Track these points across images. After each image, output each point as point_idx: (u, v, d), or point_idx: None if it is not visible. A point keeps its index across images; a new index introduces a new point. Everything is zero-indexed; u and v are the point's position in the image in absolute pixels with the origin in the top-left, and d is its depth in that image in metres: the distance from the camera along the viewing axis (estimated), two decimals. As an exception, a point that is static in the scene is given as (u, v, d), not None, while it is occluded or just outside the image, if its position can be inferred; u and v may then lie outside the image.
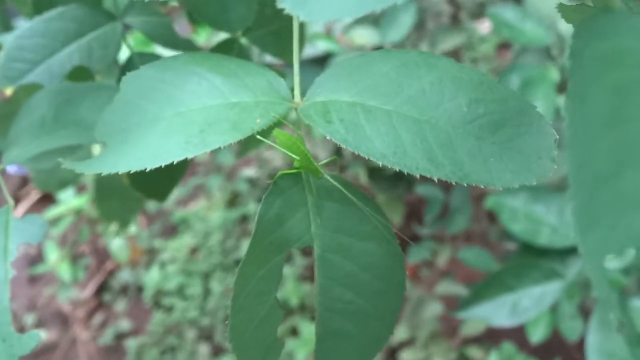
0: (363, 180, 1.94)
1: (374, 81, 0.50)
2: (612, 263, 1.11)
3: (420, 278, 1.99)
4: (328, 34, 1.75)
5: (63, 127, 0.64)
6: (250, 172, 2.30)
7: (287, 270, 2.04)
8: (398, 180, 1.87)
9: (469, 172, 0.46)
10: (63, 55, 0.72)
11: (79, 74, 0.73)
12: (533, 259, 1.26)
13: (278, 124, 0.50)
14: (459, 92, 0.48)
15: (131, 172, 0.47)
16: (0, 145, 0.73)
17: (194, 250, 2.23)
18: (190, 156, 0.47)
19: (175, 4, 1.05)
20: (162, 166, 0.47)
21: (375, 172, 1.87)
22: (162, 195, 0.86)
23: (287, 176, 0.51)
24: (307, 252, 2.05)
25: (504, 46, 2.51)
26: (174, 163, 0.47)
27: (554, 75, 1.30)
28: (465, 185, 0.46)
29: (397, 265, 0.51)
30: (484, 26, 2.40)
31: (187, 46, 0.81)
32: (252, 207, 2.26)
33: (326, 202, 0.51)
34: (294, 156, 0.50)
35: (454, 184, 0.46)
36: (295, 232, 0.51)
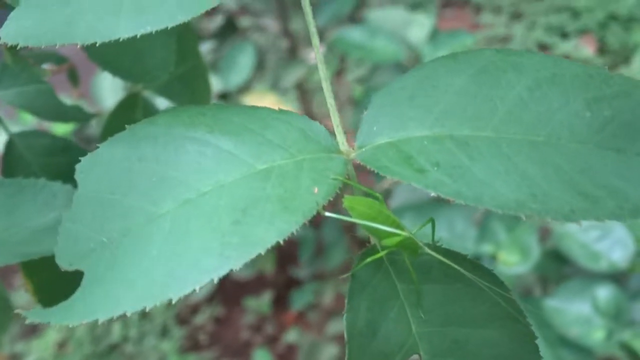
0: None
1: (451, 101, 0.36)
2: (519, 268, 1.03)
3: (308, 323, 1.86)
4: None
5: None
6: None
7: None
8: None
9: (637, 201, 0.32)
10: None
11: None
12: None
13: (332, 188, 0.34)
14: (569, 94, 0.35)
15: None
16: None
17: (61, 345, 1.97)
18: (235, 267, 0.31)
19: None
20: None
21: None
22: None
23: (368, 262, 0.34)
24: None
25: (339, 73, 2.42)
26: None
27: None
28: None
29: (529, 350, 0.36)
30: (311, 56, 2.30)
31: (76, 114, 0.63)
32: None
33: (424, 285, 0.35)
34: (380, 230, 0.33)
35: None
36: (394, 339, 0.35)
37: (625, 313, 0.97)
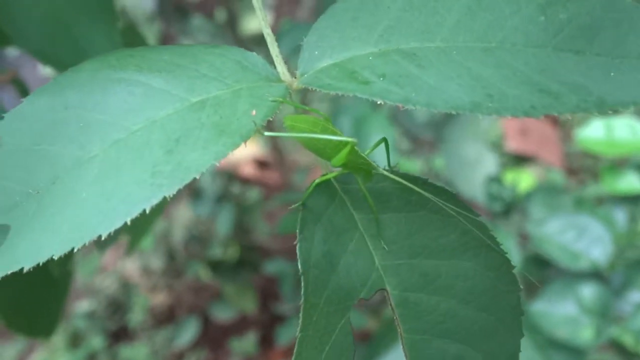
0: (205, 277, 1.76)
1: (395, 17, 0.33)
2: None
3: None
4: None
5: None
6: (84, 305, 2.03)
7: None
8: (241, 267, 1.73)
9: (601, 94, 0.30)
10: None
11: None
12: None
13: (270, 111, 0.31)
14: (520, 0, 0.32)
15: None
16: None
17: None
18: (168, 193, 0.28)
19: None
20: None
21: (217, 265, 1.71)
22: (47, 329, 0.62)
23: (319, 189, 0.31)
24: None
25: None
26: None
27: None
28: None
29: (506, 281, 0.33)
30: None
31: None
32: (98, 342, 1.97)
33: (384, 214, 0.32)
34: (326, 146, 0.31)
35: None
36: (355, 273, 0.32)
37: (611, 309, 0.96)
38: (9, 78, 0.60)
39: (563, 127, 1.98)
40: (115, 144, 0.30)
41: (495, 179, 1.23)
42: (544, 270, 1.08)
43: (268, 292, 1.87)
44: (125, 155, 0.30)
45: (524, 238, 1.14)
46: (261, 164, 1.94)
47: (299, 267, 0.30)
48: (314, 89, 0.31)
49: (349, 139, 0.30)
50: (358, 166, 0.31)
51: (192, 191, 1.63)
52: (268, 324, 1.80)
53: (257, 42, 1.51)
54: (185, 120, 0.30)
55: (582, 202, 1.21)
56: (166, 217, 1.78)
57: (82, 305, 1.95)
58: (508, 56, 0.31)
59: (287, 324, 1.67)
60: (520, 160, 1.80)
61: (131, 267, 1.86)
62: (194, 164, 0.29)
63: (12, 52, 0.90)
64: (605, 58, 0.31)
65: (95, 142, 0.31)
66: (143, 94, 0.32)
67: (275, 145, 1.72)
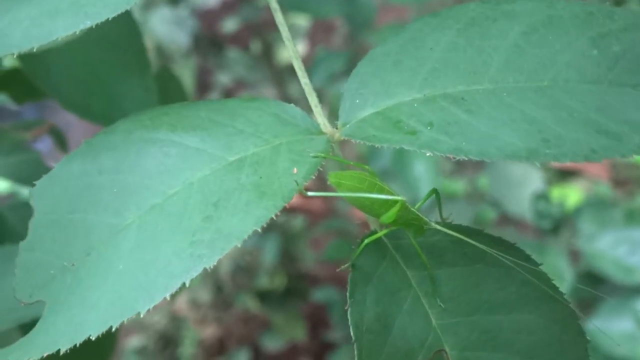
0: (253, 307, 1.75)
1: (439, 59, 0.32)
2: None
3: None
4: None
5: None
6: (135, 341, 2.02)
7: None
8: (289, 295, 1.71)
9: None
10: None
11: None
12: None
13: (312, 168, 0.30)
14: (571, 34, 0.31)
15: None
16: None
17: None
18: (208, 264, 0.26)
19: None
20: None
21: (265, 295, 1.70)
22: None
23: (368, 247, 0.30)
24: None
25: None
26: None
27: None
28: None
29: (572, 333, 0.31)
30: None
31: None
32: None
33: (439, 270, 0.31)
34: (375, 202, 0.29)
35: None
36: (412, 334, 0.30)
37: (670, 323, 0.93)
38: (46, 130, 0.60)
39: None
40: (151, 209, 0.29)
41: (542, 196, 1.20)
42: (597, 286, 1.05)
43: (317, 320, 1.85)
44: (162, 222, 0.28)
45: (574, 255, 1.11)
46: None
47: (352, 333, 0.28)
48: (357, 141, 0.30)
49: (398, 198, 0.29)
50: (409, 222, 0.29)
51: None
52: (319, 352, 1.78)
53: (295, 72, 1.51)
54: (223, 181, 0.29)
55: (633, 215, 1.18)
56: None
57: (132, 342, 1.95)
58: (562, 95, 0.29)
59: (337, 351, 1.65)
60: (565, 174, 1.77)
61: (179, 300, 1.86)
62: (235, 230, 0.27)
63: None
64: (665, 90, 0.29)
65: (131, 209, 0.29)
66: (178, 155, 0.30)
67: (318, 172, 1.71)
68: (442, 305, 0.30)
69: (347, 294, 0.29)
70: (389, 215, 0.29)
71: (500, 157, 0.27)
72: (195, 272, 0.26)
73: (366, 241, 0.30)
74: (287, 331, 1.72)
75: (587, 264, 1.02)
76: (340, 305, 1.62)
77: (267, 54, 1.51)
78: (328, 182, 0.30)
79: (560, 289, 0.31)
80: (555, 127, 0.28)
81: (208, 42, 1.54)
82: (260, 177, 0.29)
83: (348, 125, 0.31)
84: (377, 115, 0.31)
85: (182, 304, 1.86)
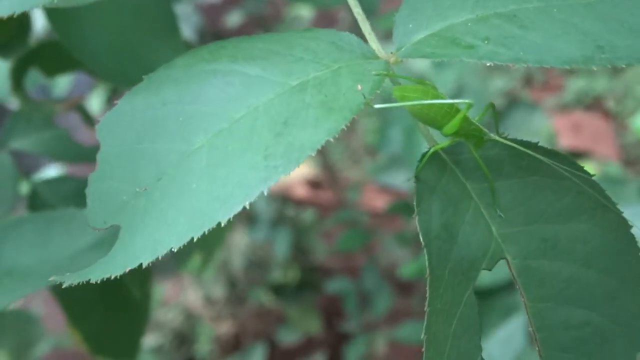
0: (268, 301, 1.76)
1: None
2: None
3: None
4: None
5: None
6: (151, 339, 2.03)
7: None
8: (303, 288, 1.72)
9: None
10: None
11: None
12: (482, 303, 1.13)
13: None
14: None
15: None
16: None
17: None
18: (284, 173, 0.27)
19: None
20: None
21: (279, 289, 1.71)
22: (131, 352, 0.62)
23: (428, 161, 0.31)
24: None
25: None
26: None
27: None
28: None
29: (626, 241, 0.32)
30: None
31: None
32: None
33: (497, 182, 0.32)
34: (439, 113, 0.30)
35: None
36: (475, 243, 0.31)
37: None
38: (74, 104, 0.61)
39: (615, 119, 1.95)
40: (220, 133, 0.30)
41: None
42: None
43: (332, 312, 1.86)
44: (232, 143, 0.29)
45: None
46: (313, 184, 1.94)
47: (421, 239, 0.29)
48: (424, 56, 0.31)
49: (465, 101, 0.30)
50: (470, 133, 0.30)
51: (247, 217, 1.63)
52: (334, 344, 1.78)
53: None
54: (289, 103, 0.30)
55: (646, 191, 1.18)
56: (224, 246, 1.79)
57: (148, 340, 1.96)
58: (611, 9, 0.30)
59: (353, 341, 1.66)
60: (575, 156, 1.78)
61: (194, 298, 1.87)
62: (308, 141, 0.28)
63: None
64: None
65: (199, 134, 0.30)
66: (241, 83, 0.31)
67: (326, 164, 1.72)
68: (501, 215, 0.31)
69: (414, 203, 0.30)
70: (453, 124, 0.30)
71: (558, 64, 0.28)
72: (272, 181, 0.27)
73: (429, 152, 0.31)
74: (302, 324, 1.73)
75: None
76: (354, 296, 1.63)
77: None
78: (393, 96, 0.31)
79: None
80: (608, 37, 0.29)
81: (212, 37, 1.55)
82: (326, 96, 0.30)
83: (404, 48, 0.32)
84: (433, 36, 0.32)
85: (196, 301, 1.86)
